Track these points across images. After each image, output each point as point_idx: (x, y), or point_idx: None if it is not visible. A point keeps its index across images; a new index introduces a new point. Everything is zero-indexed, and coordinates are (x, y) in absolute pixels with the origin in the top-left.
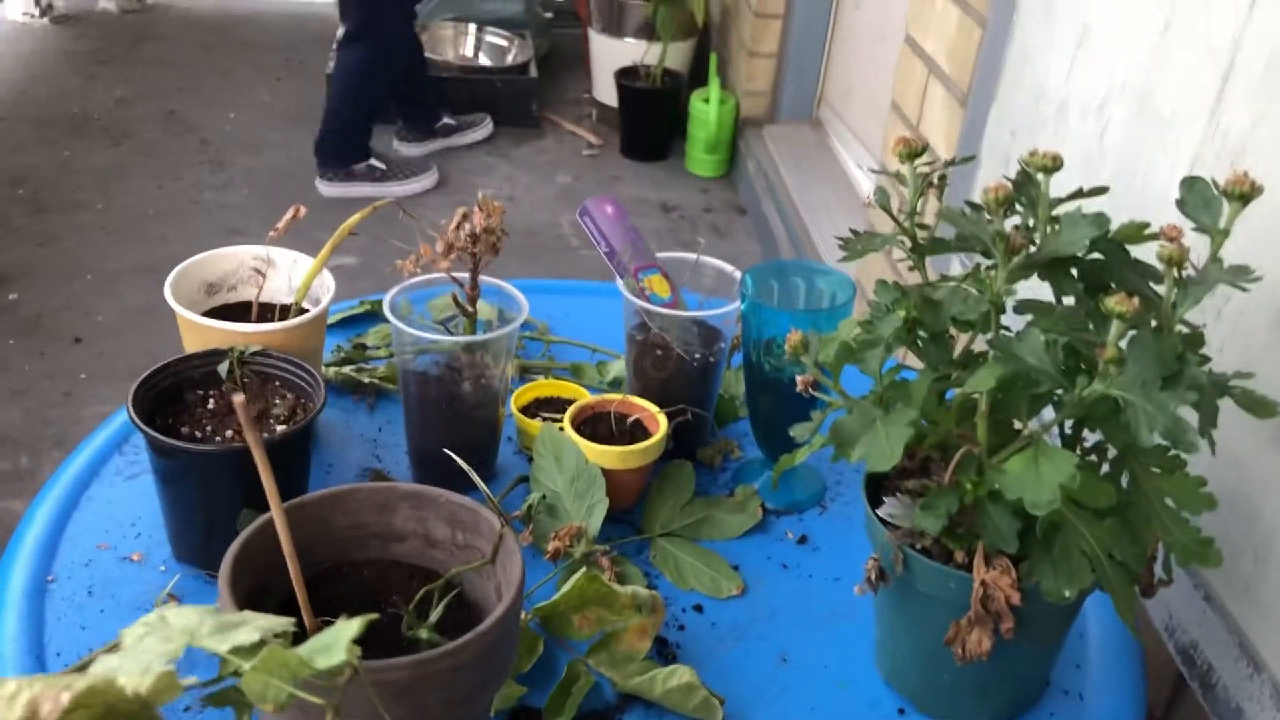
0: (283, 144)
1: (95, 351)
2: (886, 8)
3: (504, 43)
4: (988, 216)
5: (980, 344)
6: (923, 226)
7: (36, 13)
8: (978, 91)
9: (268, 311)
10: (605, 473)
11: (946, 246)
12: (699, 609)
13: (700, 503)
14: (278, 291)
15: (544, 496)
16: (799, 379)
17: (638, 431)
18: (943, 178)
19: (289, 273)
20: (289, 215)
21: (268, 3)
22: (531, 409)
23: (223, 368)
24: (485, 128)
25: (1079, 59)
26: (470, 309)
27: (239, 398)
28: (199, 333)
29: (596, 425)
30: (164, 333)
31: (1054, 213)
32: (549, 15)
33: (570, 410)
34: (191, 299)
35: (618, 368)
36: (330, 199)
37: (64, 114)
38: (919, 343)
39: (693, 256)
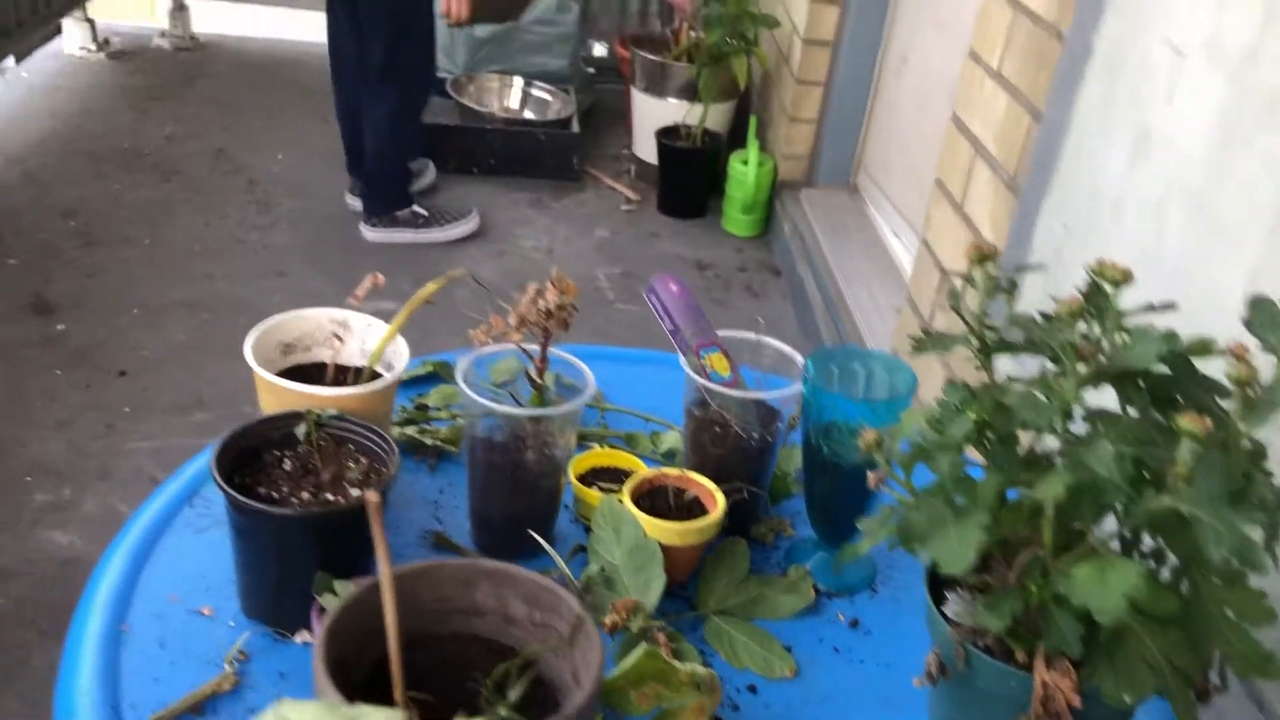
0: (327, 186)
1: (139, 386)
2: (928, 80)
3: (548, 97)
4: (1058, 326)
5: (1044, 442)
6: (989, 327)
7: (94, 47)
8: (1031, 182)
9: (341, 374)
10: (662, 548)
11: (1014, 348)
12: (753, 690)
13: (754, 581)
14: (351, 354)
15: (602, 568)
16: (871, 475)
17: (695, 508)
18: (1013, 283)
19: (363, 336)
20: (368, 283)
21: (316, 44)
22: (588, 478)
23: (300, 430)
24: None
25: (1137, 159)
26: (539, 381)
27: (373, 499)
28: (276, 393)
29: (654, 499)
30: (206, 369)
31: (1122, 323)
32: (593, 71)
33: (629, 483)
34: (268, 358)
35: (672, 439)
36: (376, 244)
37: (116, 148)
38: (986, 444)
39: (753, 336)
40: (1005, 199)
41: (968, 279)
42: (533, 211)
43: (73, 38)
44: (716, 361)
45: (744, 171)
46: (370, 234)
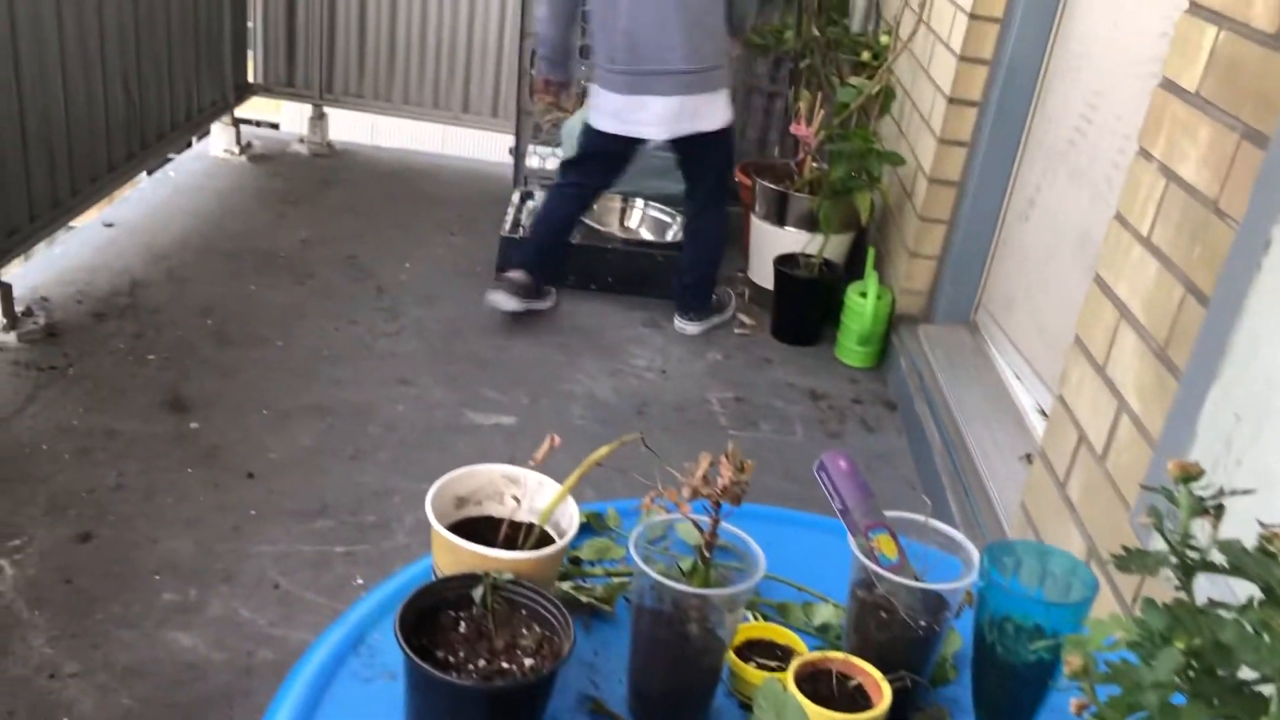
0: (453, 298)
1: (266, 488)
2: (1056, 226)
3: (667, 219)
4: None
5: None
6: (1192, 546)
7: (237, 150)
8: (1195, 364)
9: (513, 531)
10: None
11: (1217, 569)
12: None
13: None
14: (521, 510)
15: None
16: (1073, 702)
17: (859, 696)
18: (1219, 506)
19: (533, 494)
20: (546, 445)
21: (447, 157)
22: (743, 650)
23: (477, 593)
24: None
25: None
26: (708, 557)
27: None
28: (454, 552)
29: (817, 683)
30: (330, 475)
31: None
32: None
33: (793, 665)
34: (443, 512)
35: (826, 612)
36: (689, 335)
37: (254, 249)
38: (1190, 672)
39: (920, 518)
40: (1154, 368)
41: (1167, 495)
42: (647, 331)
43: (218, 141)
44: (884, 544)
45: (862, 304)
46: (691, 327)
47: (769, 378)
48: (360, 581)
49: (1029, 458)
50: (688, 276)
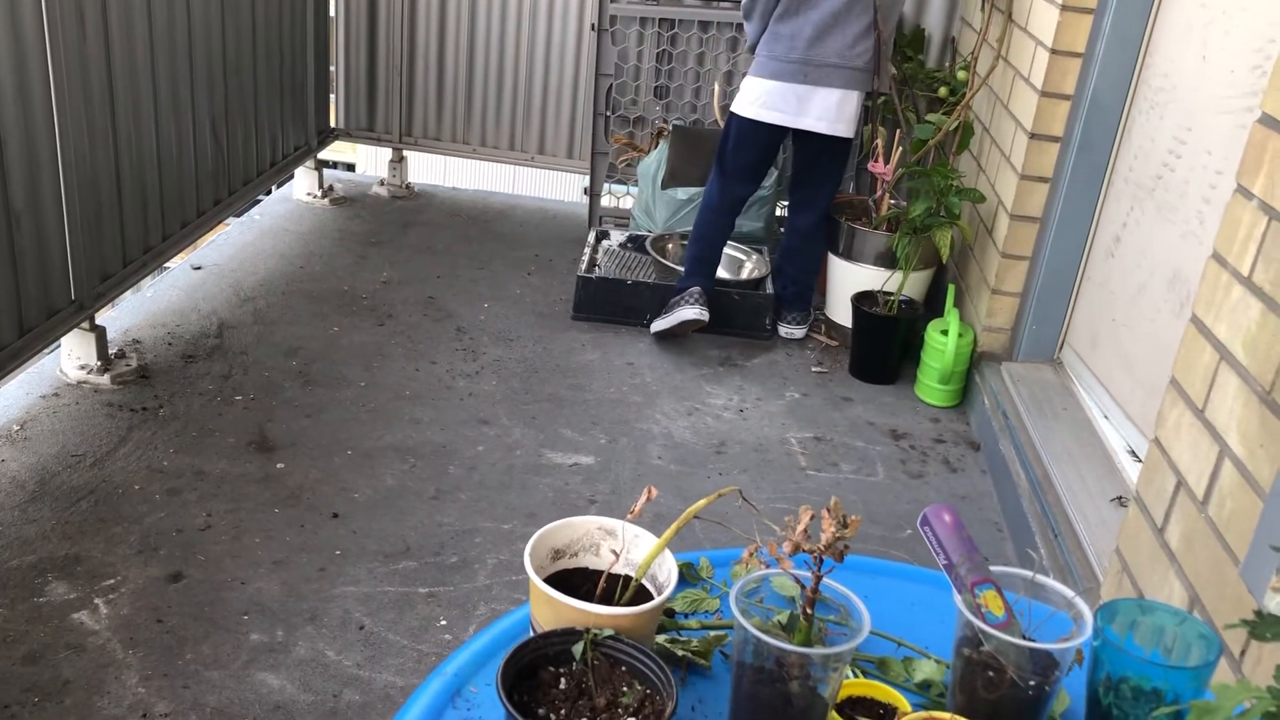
0: (530, 338)
1: (350, 529)
2: (1144, 263)
3: (743, 257)
4: None
5: None
6: None
7: (319, 194)
8: None
9: (610, 583)
10: None
11: None
12: None
13: None
14: (619, 563)
15: None
16: None
17: None
18: None
19: (630, 546)
20: (643, 499)
21: (522, 198)
22: (843, 708)
23: (577, 649)
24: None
25: None
26: (810, 612)
27: None
28: (553, 606)
29: None
30: (412, 516)
31: None
32: None
33: None
34: (540, 564)
35: (928, 669)
36: (788, 339)
37: (336, 290)
38: None
39: (1028, 574)
40: (1259, 413)
41: None
42: (724, 370)
43: (302, 184)
44: (991, 600)
45: (943, 342)
46: (797, 331)
47: (849, 417)
48: (444, 623)
49: (1121, 500)
50: (794, 286)
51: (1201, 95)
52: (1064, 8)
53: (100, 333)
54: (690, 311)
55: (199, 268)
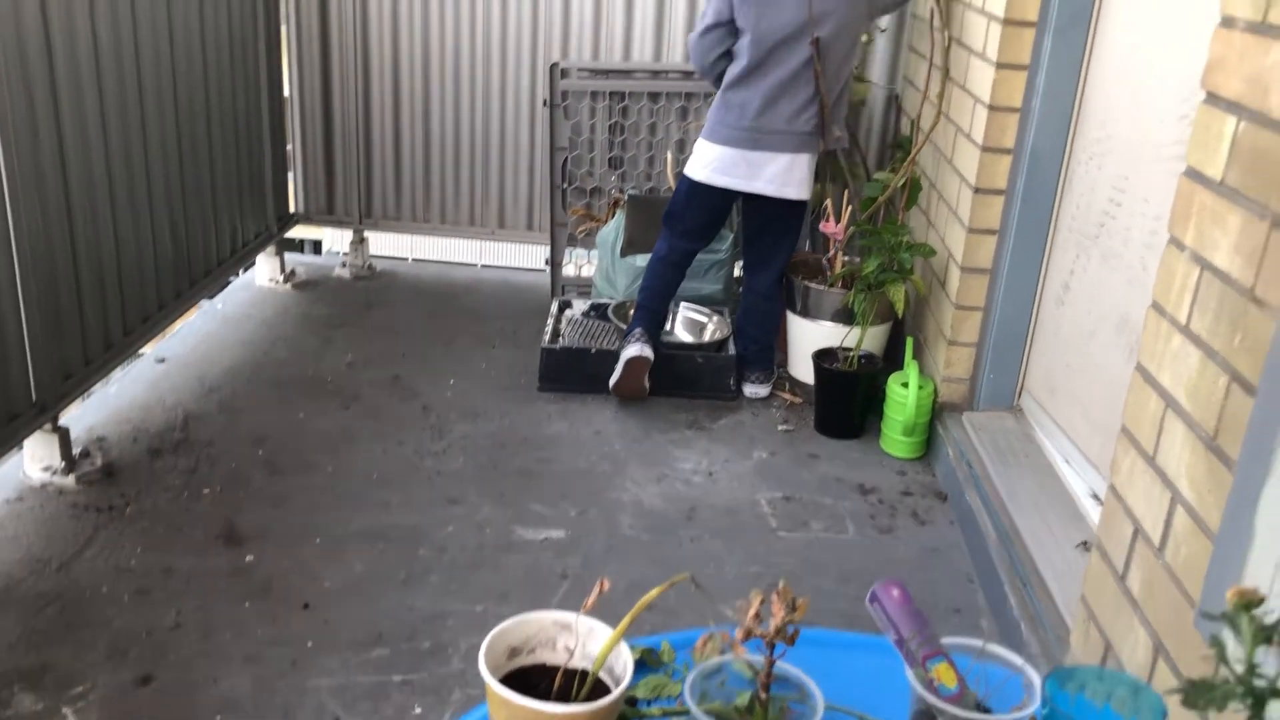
0: (497, 412)
1: (320, 618)
2: (1093, 309)
3: (704, 319)
4: None
5: None
6: (1259, 675)
7: (281, 279)
8: (1248, 457)
9: (567, 679)
10: None
11: None
12: None
13: None
14: (575, 657)
15: None
16: None
17: None
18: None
19: (585, 640)
20: (596, 591)
21: (486, 270)
22: None
23: None
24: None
25: None
26: (764, 696)
27: None
28: (509, 708)
29: None
30: (383, 601)
31: None
32: None
33: None
34: (496, 664)
35: None
36: (753, 399)
37: (301, 375)
38: None
39: (978, 643)
40: (1205, 459)
41: (1229, 620)
42: (691, 433)
43: (263, 270)
44: (943, 673)
45: (904, 394)
46: (762, 389)
47: (817, 474)
48: (419, 711)
49: (1085, 545)
50: (755, 345)
51: (1136, 145)
52: (999, 65)
53: (63, 433)
54: (632, 349)
55: (163, 360)
